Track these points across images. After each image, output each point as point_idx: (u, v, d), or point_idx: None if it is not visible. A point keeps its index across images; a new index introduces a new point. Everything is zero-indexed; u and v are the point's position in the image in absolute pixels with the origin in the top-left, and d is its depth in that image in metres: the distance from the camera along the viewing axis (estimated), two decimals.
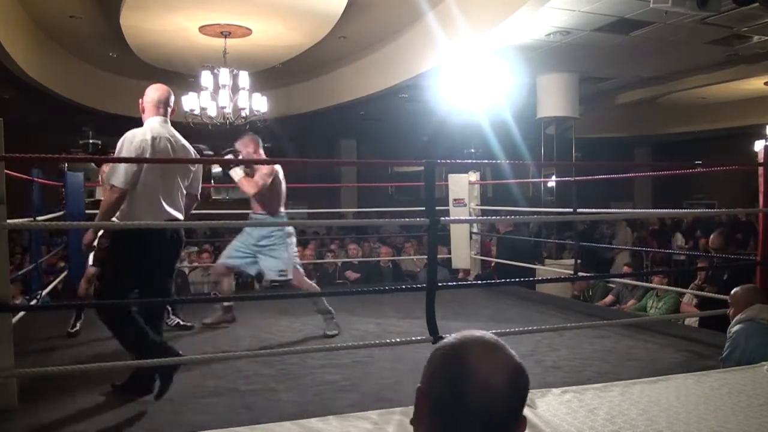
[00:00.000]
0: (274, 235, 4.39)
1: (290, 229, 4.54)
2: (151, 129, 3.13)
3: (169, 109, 3.25)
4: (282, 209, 4.53)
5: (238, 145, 4.51)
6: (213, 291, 4.53)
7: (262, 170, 4.38)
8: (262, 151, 4.63)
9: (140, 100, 3.24)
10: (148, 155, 3.02)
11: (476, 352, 0.95)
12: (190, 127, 8.23)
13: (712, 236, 5.29)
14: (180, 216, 3.17)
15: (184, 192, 3.25)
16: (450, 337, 1.00)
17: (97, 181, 5.38)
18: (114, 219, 3.08)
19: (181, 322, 4.60)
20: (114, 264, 3.10)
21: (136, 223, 3.03)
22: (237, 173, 4.34)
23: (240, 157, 4.47)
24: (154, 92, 3.22)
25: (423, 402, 0.96)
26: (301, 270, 4.65)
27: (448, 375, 0.94)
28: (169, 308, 4.54)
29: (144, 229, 3.00)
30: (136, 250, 2.98)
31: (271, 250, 4.38)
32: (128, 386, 2.97)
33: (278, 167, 4.50)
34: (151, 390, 2.89)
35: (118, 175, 2.97)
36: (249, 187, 4.33)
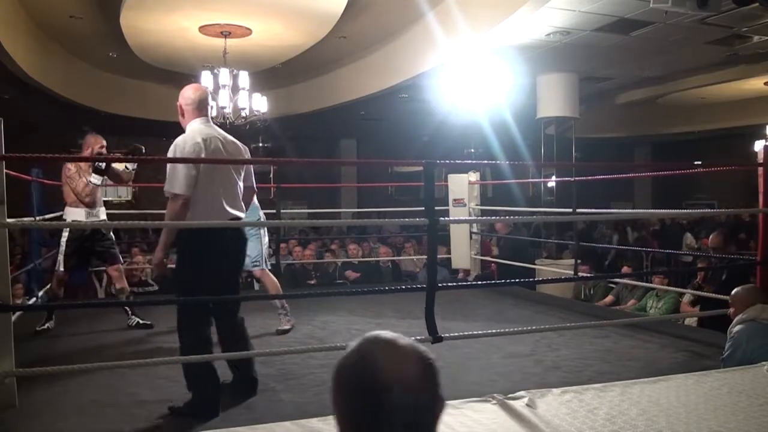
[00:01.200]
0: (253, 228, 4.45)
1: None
2: (199, 131, 3.00)
3: (210, 109, 3.14)
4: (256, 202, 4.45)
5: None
6: None
7: None
8: None
9: (178, 104, 3.09)
10: (201, 155, 2.91)
11: (380, 360, 0.93)
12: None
13: (711, 236, 5.29)
14: (241, 214, 3.07)
15: (242, 187, 3.12)
16: (346, 354, 0.96)
17: None
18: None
19: (140, 321, 4.62)
20: (185, 278, 2.98)
21: (135, 223, 3.02)
22: None
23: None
24: (193, 93, 3.06)
25: (344, 427, 0.93)
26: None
27: (360, 394, 0.92)
28: (128, 309, 4.61)
29: (205, 235, 2.90)
30: (202, 259, 2.88)
31: (255, 241, 4.44)
32: (188, 409, 2.78)
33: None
34: (217, 413, 2.75)
35: (177, 182, 2.84)
36: None
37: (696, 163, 15.18)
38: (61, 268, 4.55)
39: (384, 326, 4.26)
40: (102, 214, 4.68)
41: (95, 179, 4.41)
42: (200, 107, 3.05)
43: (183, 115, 3.08)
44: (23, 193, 4.97)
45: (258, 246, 4.50)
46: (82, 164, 4.50)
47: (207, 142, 2.95)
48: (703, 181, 16.56)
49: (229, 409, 2.84)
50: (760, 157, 3.96)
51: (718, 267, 5.30)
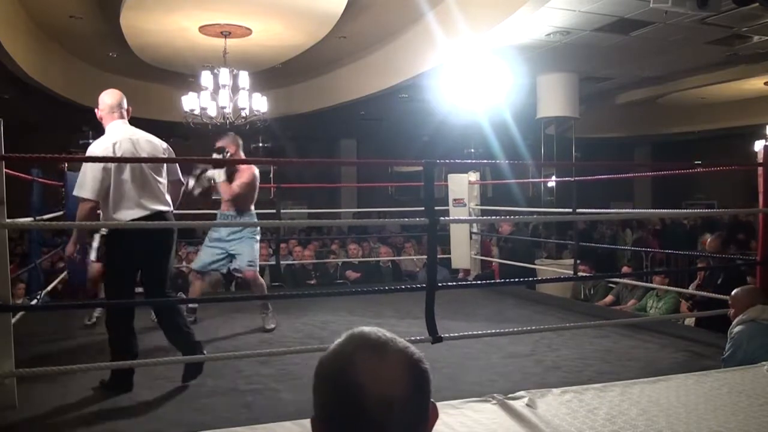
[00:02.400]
0: (242, 230, 4.49)
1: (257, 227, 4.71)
2: (110, 135, 3.20)
3: (124, 111, 3.32)
4: (251, 208, 4.61)
5: (221, 142, 4.54)
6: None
7: (243, 177, 4.45)
8: (241, 152, 4.68)
9: (96, 110, 3.31)
10: (112, 163, 3.09)
11: (364, 363, 0.85)
12: (190, 127, 8.25)
13: (709, 239, 5.30)
14: (163, 207, 3.22)
15: (164, 182, 3.27)
16: (329, 351, 0.89)
17: None
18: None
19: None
20: (107, 267, 3.33)
21: (135, 224, 3.04)
22: (220, 175, 4.42)
23: (228, 155, 4.47)
24: (107, 98, 3.30)
25: (318, 425, 0.88)
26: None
27: (340, 398, 0.85)
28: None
29: (120, 234, 3.15)
30: (118, 250, 3.16)
31: (240, 242, 4.47)
32: (110, 384, 3.07)
33: (256, 170, 4.58)
34: (130, 388, 3.04)
35: (85, 187, 3.05)
36: (225, 192, 4.45)
37: (696, 163, 15.18)
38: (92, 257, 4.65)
39: (384, 326, 4.25)
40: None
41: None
42: (113, 110, 3.27)
43: (101, 119, 3.30)
44: (23, 194, 4.96)
45: (253, 247, 4.52)
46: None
47: (116, 145, 3.14)
48: (703, 181, 16.56)
49: (229, 410, 2.84)
50: (760, 157, 3.96)
51: (717, 267, 5.30)
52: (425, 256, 5.31)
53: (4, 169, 2.78)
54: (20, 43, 7.51)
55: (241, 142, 4.63)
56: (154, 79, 10.38)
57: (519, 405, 2.33)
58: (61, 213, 5.62)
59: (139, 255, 3.11)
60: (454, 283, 6.64)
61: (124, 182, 3.09)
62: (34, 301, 5.06)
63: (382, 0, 7.35)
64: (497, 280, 6.99)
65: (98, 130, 4.61)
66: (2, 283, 2.72)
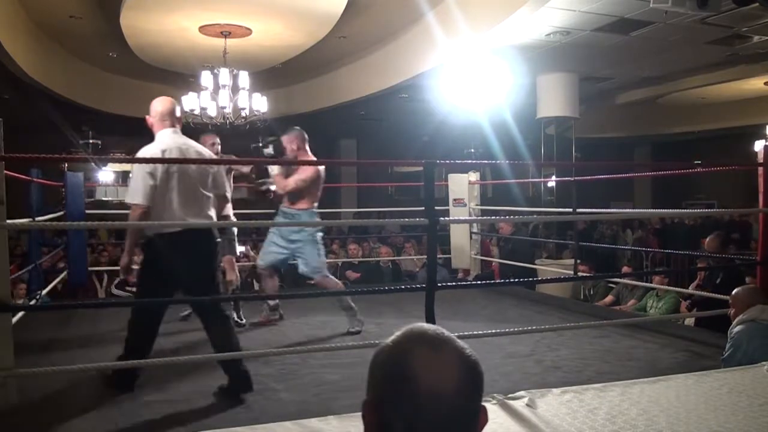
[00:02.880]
0: (304, 230, 4.41)
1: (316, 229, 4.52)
2: (160, 143, 3.10)
3: (176, 120, 3.22)
4: (313, 206, 4.50)
5: (284, 140, 4.54)
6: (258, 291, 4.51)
7: (302, 174, 4.39)
8: (307, 148, 4.59)
9: (147, 117, 3.21)
10: (160, 171, 2.98)
11: (419, 355, 0.86)
12: (190, 127, 8.25)
13: (708, 239, 5.30)
14: (205, 222, 3.14)
15: (209, 196, 3.17)
16: (388, 340, 0.91)
17: (95, 181, 5.42)
18: None
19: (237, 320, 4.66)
20: (140, 280, 3.24)
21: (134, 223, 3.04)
22: (273, 170, 4.46)
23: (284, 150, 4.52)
24: (159, 105, 3.19)
25: (371, 416, 0.89)
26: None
27: (392, 386, 0.86)
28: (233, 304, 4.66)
29: (156, 244, 3.01)
30: (156, 261, 3.02)
31: (303, 246, 4.38)
32: (113, 381, 3.08)
33: (321, 169, 4.55)
34: (131, 389, 3.03)
35: (135, 192, 2.98)
36: (279, 185, 4.44)
37: (696, 163, 15.18)
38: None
39: (384, 326, 4.27)
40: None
41: None
42: (164, 119, 3.16)
43: (151, 126, 3.20)
44: (23, 194, 4.96)
45: (316, 251, 4.40)
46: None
47: (165, 153, 3.05)
48: (703, 181, 16.56)
49: (229, 409, 2.84)
50: (760, 157, 3.96)
51: (716, 268, 5.30)
52: (425, 256, 5.31)
53: (4, 169, 2.78)
54: (20, 43, 7.51)
55: (306, 137, 4.57)
56: (154, 79, 10.38)
57: (519, 405, 2.33)
58: (61, 213, 5.62)
59: (177, 267, 2.96)
60: (454, 283, 6.64)
61: (169, 192, 3.01)
62: (34, 301, 5.06)
63: (382, 0, 7.35)
64: (497, 280, 6.99)
65: (99, 131, 4.60)
66: (2, 283, 2.72)
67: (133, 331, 3.11)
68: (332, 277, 4.61)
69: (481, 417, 0.90)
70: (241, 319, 4.67)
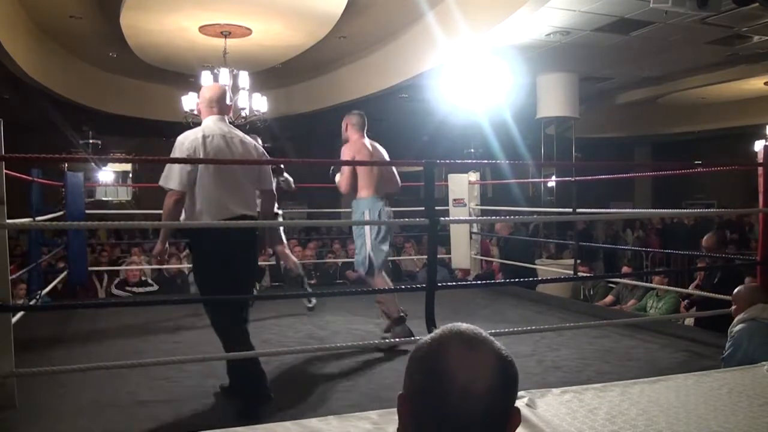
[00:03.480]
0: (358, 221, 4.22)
1: (369, 217, 4.20)
2: (204, 128, 3.02)
3: (226, 106, 3.14)
4: (374, 194, 4.24)
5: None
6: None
7: (345, 166, 4.23)
8: (353, 131, 4.32)
9: (197, 103, 3.17)
10: (201, 155, 2.89)
11: (455, 352, 0.88)
12: (190, 127, 8.24)
13: (705, 237, 5.30)
14: (250, 212, 3.02)
15: (253, 189, 3.10)
16: (427, 337, 0.93)
17: (95, 181, 5.46)
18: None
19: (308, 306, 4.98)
20: (197, 271, 3.12)
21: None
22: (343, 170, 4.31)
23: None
24: (206, 92, 3.15)
25: (405, 409, 0.91)
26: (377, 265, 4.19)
27: (427, 380, 0.88)
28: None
29: (203, 232, 2.91)
30: (205, 255, 2.93)
31: (356, 238, 4.26)
32: (233, 388, 2.94)
33: (369, 148, 4.27)
34: (268, 396, 2.83)
35: (172, 177, 2.88)
36: (340, 187, 4.37)
37: (696, 163, 15.18)
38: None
39: (384, 326, 4.23)
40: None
41: None
42: (211, 105, 3.07)
43: (199, 113, 3.14)
44: (23, 194, 4.96)
45: (362, 241, 4.17)
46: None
47: (207, 139, 2.93)
48: (703, 181, 16.56)
49: (229, 409, 2.84)
50: (760, 157, 3.96)
51: (714, 267, 5.30)
52: (425, 256, 5.31)
53: (4, 169, 2.78)
54: (20, 43, 7.51)
55: (361, 121, 4.30)
56: (154, 79, 10.38)
57: (519, 405, 2.33)
58: (61, 213, 5.62)
59: (223, 257, 2.86)
60: (454, 283, 6.64)
61: (211, 181, 2.89)
62: (34, 301, 5.06)
63: (382, 0, 7.36)
64: (497, 281, 6.99)
65: (99, 131, 4.62)
66: (2, 283, 2.72)
67: (227, 339, 2.94)
68: (382, 276, 4.18)
69: (514, 418, 0.91)
70: (311, 302, 5.00)
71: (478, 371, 0.87)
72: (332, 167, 4.49)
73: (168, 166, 2.92)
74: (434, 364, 0.89)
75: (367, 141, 4.33)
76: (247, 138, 3.12)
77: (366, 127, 4.34)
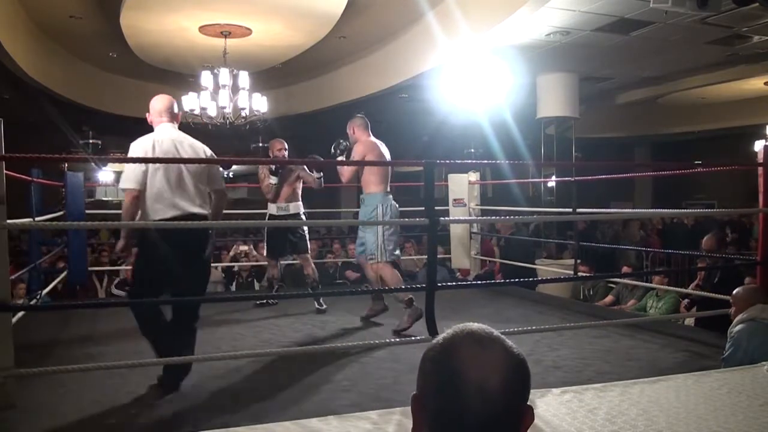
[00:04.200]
0: (367, 211, 4.52)
1: (382, 211, 4.45)
2: (154, 134, 3.26)
3: (175, 115, 3.35)
4: (383, 189, 4.57)
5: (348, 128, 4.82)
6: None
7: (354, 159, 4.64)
8: (367, 131, 4.76)
9: (147, 115, 3.35)
10: (154, 155, 3.14)
11: (467, 351, 0.89)
12: (190, 127, 8.25)
13: (705, 238, 5.30)
14: (200, 211, 3.20)
15: (204, 190, 3.28)
16: (440, 336, 0.94)
17: (95, 181, 5.52)
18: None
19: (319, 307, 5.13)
20: (134, 266, 3.39)
21: (139, 223, 3.04)
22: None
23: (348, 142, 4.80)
24: (156, 103, 3.35)
25: (419, 409, 0.91)
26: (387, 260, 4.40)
27: (440, 380, 0.89)
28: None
29: (147, 231, 3.12)
30: (147, 251, 3.14)
31: (365, 232, 4.51)
32: (162, 382, 3.12)
33: (379, 147, 4.69)
34: (177, 388, 3.07)
35: (128, 178, 3.11)
36: (343, 178, 4.79)
37: (696, 163, 15.17)
38: (266, 255, 5.56)
39: (384, 326, 4.26)
40: (294, 208, 5.52)
41: (272, 180, 5.46)
42: (161, 114, 3.31)
43: (151, 123, 3.35)
44: (23, 194, 4.97)
45: (373, 238, 4.38)
46: (265, 168, 5.59)
47: (157, 142, 3.19)
48: (703, 181, 16.55)
49: (229, 409, 2.84)
50: (760, 157, 3.96)
51: (714, 267, 5.30)
52: (425, 256, 5.31)
53: (4, 169, 2.78)
54: (20, 43, 7.51)
55: (361, 122, 4.75)
56: (154, 79, 10.38)
57: None
58: (61, 213, 5.62)
59: (169, 256, 3.02)
60: (454, 283, 6.64)
61: (159, 180, 3.11)
62: (34, 301, 5.07)
63: (382, 0, 7.35)
64: (497, 281, 6.99)
65: (99, 131, 4.67)
66: (2, 283, 2.72)
67: (146, 332, 3.17)
68: (390, 268, 4.38)
69: (527, 416, 0.91)
70: (322, 306, 5.15)
71: (490, 370, 0.88)
72: (339, 142, 4.89)
73: (125, 168, 3.21)
74: (447, 363, 0.89)
75: (374, 139, 4.77)
76: (197, 143, 3.34)
77: (369, 128, 4.74)
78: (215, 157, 3.42)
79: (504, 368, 0.88)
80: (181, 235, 3.09)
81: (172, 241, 3.05)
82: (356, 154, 4.60)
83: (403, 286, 4.35)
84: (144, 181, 3.09)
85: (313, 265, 5.48)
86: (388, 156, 4.76)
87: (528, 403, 0.91)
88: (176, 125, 3.34)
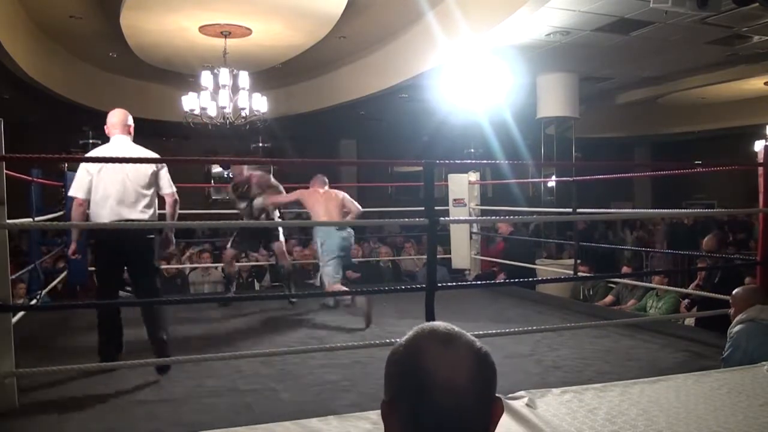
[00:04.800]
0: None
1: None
2: (107, 146, 3.64)
3: (126, 126, 3.69)
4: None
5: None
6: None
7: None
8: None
9: (105, 127, 3.71)
10: (94, 168, 3.50)
11: (431, 350, 0.89)
12: (190, 127, 8.25)
13: (706, 239, 5.31)
14: (140, 216, 3.53)
15: (150, 195, 3.60)
16: (401, 339, 0.94)
17: None
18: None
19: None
20: (95, 267, 3.80)
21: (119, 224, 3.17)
22: None
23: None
24: (111, 116, 3.72)
25: (389, 414, 0.91)
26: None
27: (407, 382, 0.89)
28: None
29: (98, 232, 3.63)
30: (98, 252, 3.69)
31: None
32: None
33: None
34: (114, 359, 3.50)
35: (75, 187, 3.54)
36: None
37: (696, 163, 15.17)
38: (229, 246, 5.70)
39: (384, 326, 4.25)
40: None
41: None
42: (114, 127, 3.68)
43: (108, 135, 3.70)
44: (23, 194, 4.97)
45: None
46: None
47: (107, 153, 3.58)
48: (703, 181, 16.55)
49: (229, 409, 2.84)
50: (760, 157, 3.96)
51: (714, 268, 5.31)
52: (425, 256, 5.32)
53: (4, 170, 2.78)
54: (20, 43, 7.51)
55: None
56: (154, 79, 10.38)
57: (519, 405, 2.33)
58: (61, 213, 5.62)
59: (116, 256, 3.50)
60: (455, 284, 6.64)
61: (102, 188, 3.47)
62: (34, 301, 5.06)
63: (382, 0, 7.35)
64: (497, 281, 6.98)
65: (98, 131, 4.80)
66: (2, 283, 2.72)
67: (101, 323, 3.62)
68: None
69: (497, 408, 0.91)
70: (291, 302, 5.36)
71: (455, 366, 0.88)
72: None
73: (75, 178, 3.56)
74: (413, 364, 0.89)
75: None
76: (144, 151, 3.67)
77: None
78: (164, 169, 3.72)
79: (469, 364, 0.89)
80: (118, 239, 3.46)
81: (111, 245, 3.48)
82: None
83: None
84: (89, 189, 3.47)
85: (287, 256, 5.91)
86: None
87: (497, 394, 0.91)
88: (129, 137, 3.69)
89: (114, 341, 3.61)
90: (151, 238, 3.62)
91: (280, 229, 5.68)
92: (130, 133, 3.70)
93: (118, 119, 3.68)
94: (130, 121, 3.71)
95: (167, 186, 3.72)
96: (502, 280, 6.72)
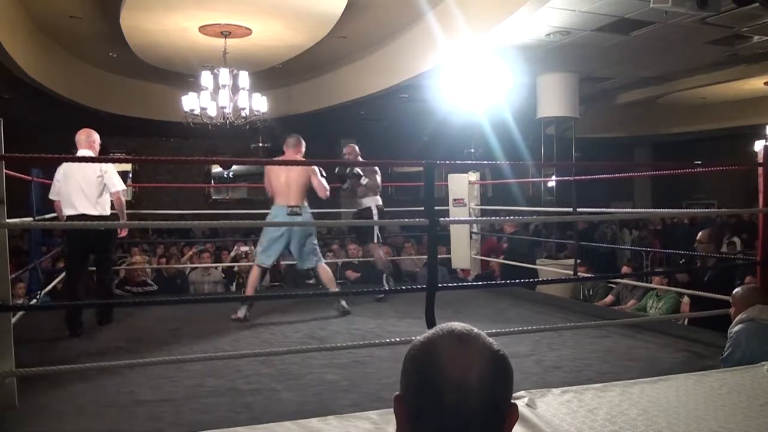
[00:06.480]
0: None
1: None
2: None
3: (86, 143, 4.66)
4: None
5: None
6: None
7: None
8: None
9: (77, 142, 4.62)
10: (60, 175, 4.51)
11: (447, 349, 0.89)
12: (190, 127, 8.25)
13: (700, 234, 5.30)
14: (91, 211, 4.41)
15: (97, 193, 4.47)
16: (420, 336, 0.94)
17: None
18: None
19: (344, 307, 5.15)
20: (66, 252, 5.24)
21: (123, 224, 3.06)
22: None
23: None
24: (76, 137, 4.69)
25: (402, 410, 0.91)
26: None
27: (420, 379, 0.89)
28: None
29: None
30: (68, 241, 4.78)
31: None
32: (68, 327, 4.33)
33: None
34: (77, 333, 4.26)
35: (50, 191, 4.59)
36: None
37: (696, 163, 15.18)
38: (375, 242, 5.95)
39: (384, 326, 4.26)
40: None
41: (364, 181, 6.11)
42: (79, 143, 4.66)
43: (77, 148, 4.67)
44: (23, 194, 4.98)
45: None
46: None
47: (65, 165, 4.55)
48: (703, 181, 16.57)
49: (229, 409, 2.84)
50: (760, 157, 3.96)
51: (710, 268, 5.29)
52: (425, 256, 5.32)
53: (4, 169, 2.78)
54: (20, 43, 7.51)
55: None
56: (154, 79, 10.38)
57: (519, 405, 2.32)
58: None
59: (82, 242, 4.52)
60: (455, 284, 6.64)
61: (65, 190, 4.45)
62: (34, 301, 5.06)
63: (382, 0, 7.36)
64: (497, 281, 6.99)
65: (98, 130, 5.10)
66: (2, 283, 2.72)
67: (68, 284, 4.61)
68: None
69: (512, 414, 0.91)
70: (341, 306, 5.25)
71: (471, 366, 0.87)
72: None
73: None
74: (427, 361, 0.89)
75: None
76: (94, 166, 4.50)
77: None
78: (108, 173, 4.50)
79: (484, 364, 0.88)
80: (81, 231, 4.51)
81: (76, 234, 4.54)
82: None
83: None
84: (57, 192, 4.50)
85: (384, 257, 6.13)
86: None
87: (513, 401, 0.91)
88: (91, 150, 4.63)
89: (76, 315, 4.31)
90: (108, 231, 4.63)
91: (376, 230, 5.95)
92: (93, 148, 4.63)
93: (82, 137, 4.65)
94: (94, 137, 4.67)
95: (113, 186, 4.56)
96: (498, 279, 6.72)
